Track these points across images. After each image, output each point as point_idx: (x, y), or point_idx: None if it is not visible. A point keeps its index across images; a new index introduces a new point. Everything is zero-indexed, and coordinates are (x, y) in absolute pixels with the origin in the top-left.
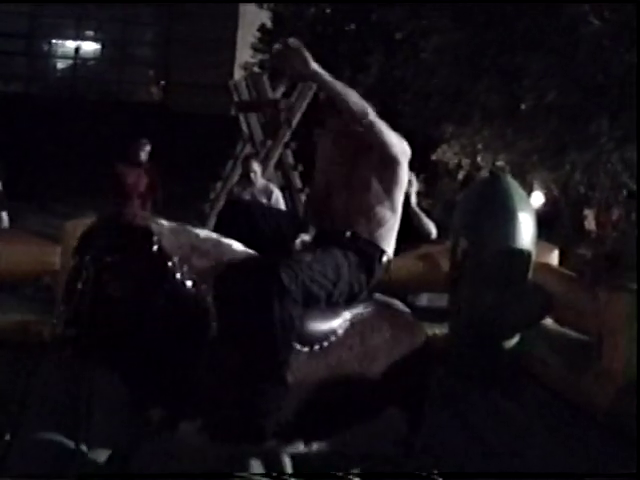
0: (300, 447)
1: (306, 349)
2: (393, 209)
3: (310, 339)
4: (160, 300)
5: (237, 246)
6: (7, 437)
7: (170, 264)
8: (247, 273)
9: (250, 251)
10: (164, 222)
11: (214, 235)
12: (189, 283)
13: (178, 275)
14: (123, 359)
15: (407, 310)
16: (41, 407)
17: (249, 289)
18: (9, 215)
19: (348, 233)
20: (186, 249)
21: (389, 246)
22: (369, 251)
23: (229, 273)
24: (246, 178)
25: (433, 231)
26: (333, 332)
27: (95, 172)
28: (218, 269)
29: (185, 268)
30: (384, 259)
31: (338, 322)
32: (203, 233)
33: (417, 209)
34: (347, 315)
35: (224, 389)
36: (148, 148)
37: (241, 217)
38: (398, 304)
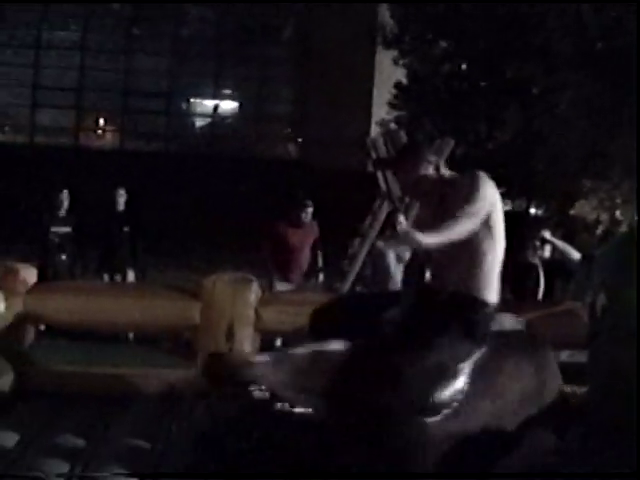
0: None
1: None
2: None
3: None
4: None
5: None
6: None
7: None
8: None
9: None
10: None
11: (312, 347)
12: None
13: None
14: None
15: (519, 324)
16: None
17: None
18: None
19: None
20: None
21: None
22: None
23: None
24: (390, 232)
25: (576, 254)
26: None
27: (232, 228)
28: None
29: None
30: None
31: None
32: (300, 351)
33: (552, 238)
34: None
35: None
36: (311, 209)
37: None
38: (508, 321)
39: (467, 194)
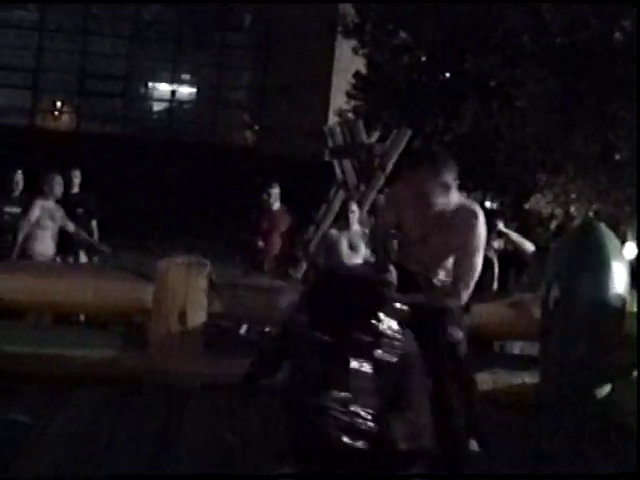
0: None
1: None
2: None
3: None
4: None
5: None
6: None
7: None
8: None
9: None
10: None
11: None
12: None
13: None
14: None
15: None
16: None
17: None
18: (102, 252)
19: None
20: None
21: None
22: None
23: None
24: (344, 220)
25: (530, 246)
26: None
27: (187, 212)
28: None
29: None
30: None
31: None
32: None
33: (507, 230)
34: None
35: None
36: (276, 195)
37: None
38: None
39: (467, 231)
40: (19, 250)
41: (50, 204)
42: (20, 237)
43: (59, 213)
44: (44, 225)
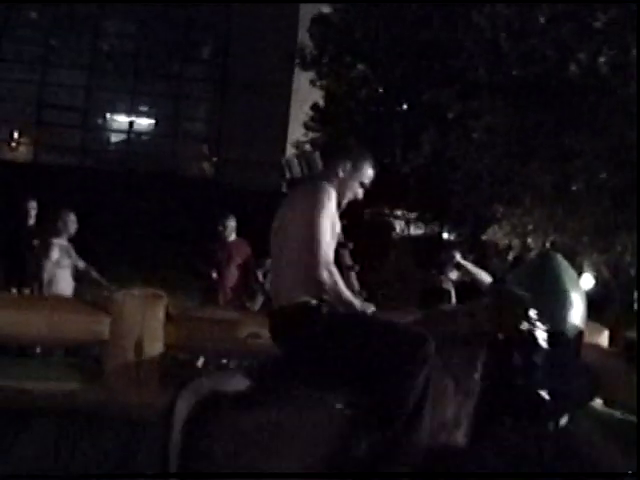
0: None
1: None
2: None
3: None
4: None
5: None
6: None
7: None
8: None
9: None
10: None
11: None
12: None
13: None
14: None
15: None
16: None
17: None
18: None
19: None
20: None
21: None
22: None
23: None
24: None
25: (487, 277)
26: None
27: (145, 245)
28: None
29: None
30: None
31: None
32: None
33: (464, 262)
34: None
35: None
36: (232, 227)
37: None
38: None
39: None
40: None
41: (64, 242)
42: (45, 278)
43: (72, 250)
44: (63, 264)
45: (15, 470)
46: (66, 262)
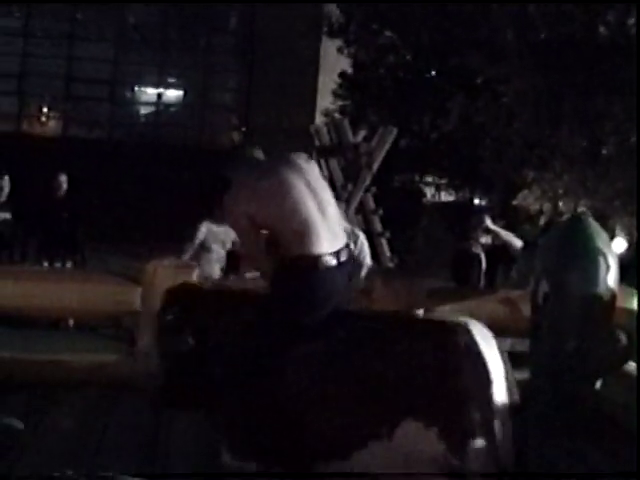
0: None
1: None
2: None
3: None
4: None
5: None
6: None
7: None
8: None
9: None
10: None
11: None
12: None
13: None
14: None
15: None
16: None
17: None
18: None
19: None
20: None
21: None
22: None
23: None
24: None
25: (518, 242)
26: None
27: (175, 217)
28: None
29: None
30: None
31: None
32: None
33: (495, 227)
34: None
35: None
36: None
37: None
38: None
39: None
40: None
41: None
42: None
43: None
44: (209, 248)
45: (50, 441)
46: (215, 247)
